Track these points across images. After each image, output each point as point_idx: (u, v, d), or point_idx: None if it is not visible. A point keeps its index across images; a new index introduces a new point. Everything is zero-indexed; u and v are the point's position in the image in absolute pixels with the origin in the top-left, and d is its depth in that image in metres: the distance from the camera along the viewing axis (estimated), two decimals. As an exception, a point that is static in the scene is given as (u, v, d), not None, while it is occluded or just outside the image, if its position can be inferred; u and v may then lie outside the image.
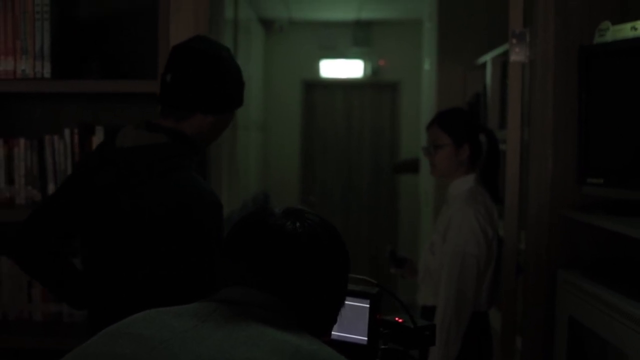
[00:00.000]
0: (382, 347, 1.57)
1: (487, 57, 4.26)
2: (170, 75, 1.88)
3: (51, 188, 2.50)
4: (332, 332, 1.44)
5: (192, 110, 1.88)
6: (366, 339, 1.55)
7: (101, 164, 1.87)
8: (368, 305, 1.55)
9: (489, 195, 2.79)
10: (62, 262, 1.98)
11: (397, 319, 1.59)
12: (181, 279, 1.75)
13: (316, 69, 7.38)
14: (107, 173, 1.84)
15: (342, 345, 1.51)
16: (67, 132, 2.53)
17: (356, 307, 1.55)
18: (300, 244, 1.20)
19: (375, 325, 1.55)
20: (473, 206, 2.68)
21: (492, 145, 2.88)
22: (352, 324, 1.55)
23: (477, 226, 2.64)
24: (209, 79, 1.87)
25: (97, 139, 2.48)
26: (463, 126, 2.79)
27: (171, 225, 1.76)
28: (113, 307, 1.80)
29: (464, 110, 3.08)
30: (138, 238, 1.79)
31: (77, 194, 1.91)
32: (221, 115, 1.94)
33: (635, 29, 2.19)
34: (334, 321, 1.29)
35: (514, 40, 2.62)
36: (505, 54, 3.88)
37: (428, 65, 5.43)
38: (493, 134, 2.93)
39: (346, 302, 1.41)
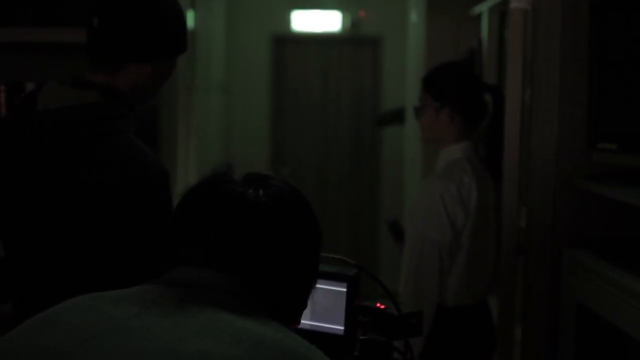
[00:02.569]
0: (361, 337, 1.56)
1: (483, 7, 4.23)
2: (97, 18, 1.80)
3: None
4: (304, 321, 1.46)
5: (125, 60, 1.81)
6: (343, 328, 1.54)
7: (19, 130, 1.80)
8: (345, 290, 1.56)
9: (484, 168, 2.72)
10: None
11: (378, 305, 1.60)
12: (124, 263, 1.70)
13: (287, 22, 7.32)
14: (26, 141, 1.77)
15: (316, 336, 1.52)
16: (-8, 89, 2.46)
17: (331, 291, 1.55)
18: (263, 214, 1.17)
19: (353, 312, 1.55)
20: (442, 183, 2.60)
21: (499, 107, 2.78)
22: (327, 311, 1.55)
23: (442, 207, 2.56)
24: (144, 20, 1.80)
25: (29, 97, 2.42)
26: (445, 86, 2.71)
27: (110, 200, 1.70)
28: (43, 297, 1.75)
29: (457, 65, 2.99)
30: (71, 217, 1.73)
31: None
32: (161, 63, 1.87)
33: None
34: (304, 306, 1.27)
35: (515, -16, 2.60)
36: (504, 3, 3.85)
37: (415, 17, 5.41)
38: (501, 93, 2.84)
39: (320, 286, 1.43)
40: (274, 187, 1.21)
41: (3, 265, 1.93)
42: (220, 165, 6.09)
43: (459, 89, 2.73)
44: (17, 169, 1.79)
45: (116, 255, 1.72)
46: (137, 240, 1.72)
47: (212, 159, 5.99)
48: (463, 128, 2.71)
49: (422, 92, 2.76)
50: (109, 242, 1.73)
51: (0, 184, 1.84)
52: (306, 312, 1.33)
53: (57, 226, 1.76)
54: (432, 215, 2.57)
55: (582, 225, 2.49)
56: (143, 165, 1.74)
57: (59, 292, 1.69)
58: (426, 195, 2.64)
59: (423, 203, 2.64)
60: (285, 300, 1.21)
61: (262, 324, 1.08)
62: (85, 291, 1.19)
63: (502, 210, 2.67)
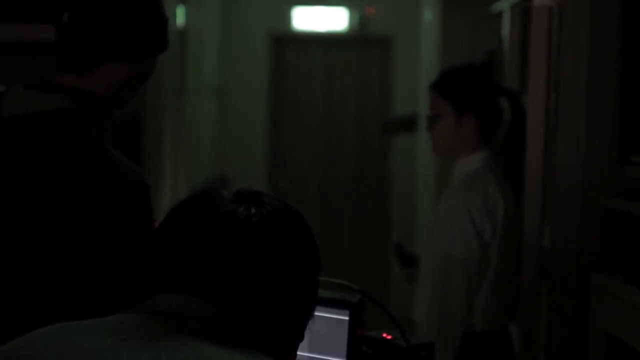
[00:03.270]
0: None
1: (504, 5, 4.24)
2: (67, 13, 1.77)
3: None
4: (302, 353, 1.44)
5: (99, 60, 1.78)
6: None
7: None
8: (347, 318, 1.53)
9: (504, 180, 2.74)
10: None
11: (385, 335, 1.57)
12: (102, 284, 1.68)
13: (288, 19, 7.34)
14: None
15: None
16: (-42, 93, 2.45)
17: (332, 320, 1.54)
18: (254, 236, 1.16)
19: (356, 343, 1.53)
20: (464, 195, 2.65)
21: (517, 113, 2.83)
22: (327, 342, 1.54)
23: (468, 221, 2.59)
24: (119, 15, 1.77)
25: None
26: (467, 90, 2.75)
27: (86, 216, 1.68)
28: (10, 322, 1.73)
29: (474, 67, 3.00)
30: (41, 235, 1.71)
31: None
32: (139, 63, 1.84)
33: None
34: (300, 339, 1.25)
35: (539, -21, 2.59)
36: (528, 0, 3.85)
37: (429, 14, 5.42)
38: (518, 98, 2.87)
39: (319, 314, 1.41)
40: (267, 206, 1.19)
41: None
42: (214, 178, 6.08)
43: (481, 93, 2.77)
44: None
45: (92, 277, 1.69)
46: (116, 260, 1.70)
47: (204, 171, 5.98)
48: (482, 137, 2.73)
49: (437, 99, 2.77)
50: (83, 263, 1.70)
51: None
52: (303, 343, 1.30)
53: (25, 247, 1.74)
54: (457, 230, 2.60)
55: (612, 248, 2.46)
56: (119, 175, 1.71)
57: (29, 316, 1.68)
58: (448, 210, 2.66)
59: (445, 219, 2.66)
60: (279, 332, 1.19)
61: (251, 357, 1.08)
62: (59, 318, 1.19)
63: (523, 227, 2.66)
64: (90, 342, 1.06)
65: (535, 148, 2.64)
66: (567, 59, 2.53)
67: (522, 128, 2.73)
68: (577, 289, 2.50)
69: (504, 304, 2.69)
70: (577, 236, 2.50)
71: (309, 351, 1.54)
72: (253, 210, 1.17)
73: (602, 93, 2.46)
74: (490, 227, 2.59)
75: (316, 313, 1.27)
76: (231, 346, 1.07)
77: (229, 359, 1.04)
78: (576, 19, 2.50)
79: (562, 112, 2.57)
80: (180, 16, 4.63)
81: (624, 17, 2.32)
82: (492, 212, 2.61)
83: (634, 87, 2.30)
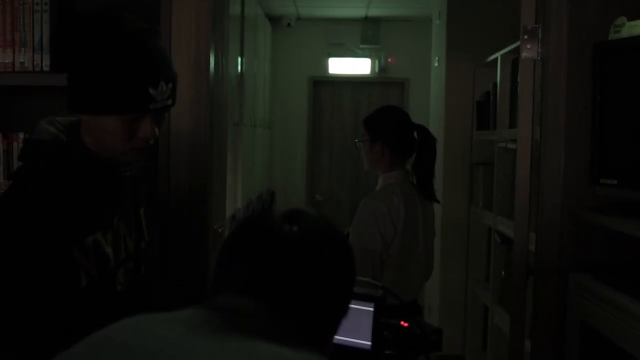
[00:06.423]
0: (387, 352, 1.52)
1: (497, 55, 4.21)
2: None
3: (50, 184, 2.44)
4: (336, 336, 1.40)
5: (72, 109, 1.57)
6: (370, 343, 1.51)
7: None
8: (372, 309, 1.52)
9: (412, 193, 2.88)
10: None
11: (402, 322, 1.56)
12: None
13: (324, 66, 7.33)
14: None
15: (345, 350, 1.48)
16: (66, 126, 2.47)
17: (359, 310, 1.52)
18: (297, 249, 1.14)
19: (379, 329, 1.51)
20: (375, 203, 2.82)
21: (424, 142, 2.95)
22: (355, 328, 1.51)
23: (374, 224, 2.76)
24: (88, 73, 1.52)
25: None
26: (378, 124, 2.94)
27: None
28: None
29: (394, 109, 3.09)
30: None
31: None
32: (91, 115, 1.54)
33: (652, 24, 2.14)
34: (334, 331, 1.21)
35: (526, 37, 2.56)
36: (516, 51, 3.83)
37: (437, 62, 5.40)
38: (426, 131, 2.99)
39: (350, 306, 1.38)
40: (310, 224, 1.16)
41: None
42: (264, 192, 6.09)
43: (388, 127, 2.95)
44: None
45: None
46: None
47: (257, 186, 5.99)
48: (394, 159, 2.94)
49: (363, 128, 2.99)
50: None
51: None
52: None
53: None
54: (366, 229, 2.78)
55: (586, 252, 2.43)
56: None
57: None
58: (363, 213, 2.83)
59: (360, 219, 2.82)
60: (317, 327, 1.16)
61: (295, 349, 1.05)
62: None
63: (513, 235, 2.64)
64: (168, 331, 1.05)
65: (524, 171, 2.61)
66: (549, 101, 2.50)
67: (429, 153, 2.93)
68: (557, 285, 2.46)
69: (410, 284, 2.86)
70: (557, 242, 2.47)
71: (341, 335, 1.50)
72: (296, 228, 1.14)
73: (578, 128, 2.43)
74: (392, 229, 2.77)
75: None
76: (278, 340, 1.05)
77: (276, 350, 1.02)
78: (556, 67, 2.47)
79: (545, 142, 2.54)
80: (239, 65, 4.66)
81: (595, 65, 2.30)
82: (394, 219, 2.78)
83: (603, 123, 2.27)
